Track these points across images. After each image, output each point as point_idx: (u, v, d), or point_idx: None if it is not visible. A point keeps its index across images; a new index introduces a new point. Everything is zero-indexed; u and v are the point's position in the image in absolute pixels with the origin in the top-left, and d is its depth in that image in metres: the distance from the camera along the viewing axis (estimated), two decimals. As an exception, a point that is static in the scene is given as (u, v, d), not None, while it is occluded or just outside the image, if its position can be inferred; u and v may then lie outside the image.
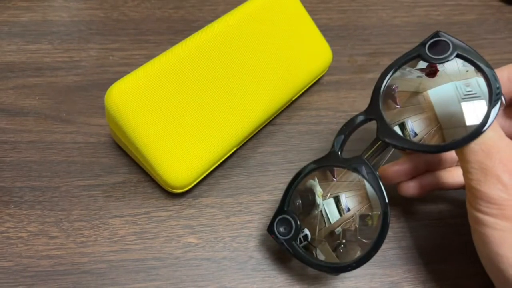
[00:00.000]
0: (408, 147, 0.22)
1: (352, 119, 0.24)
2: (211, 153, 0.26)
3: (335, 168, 0.24)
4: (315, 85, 0.34)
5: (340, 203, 0.23)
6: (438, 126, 0.22)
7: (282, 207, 0.24)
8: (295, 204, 0.24)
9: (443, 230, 0.27)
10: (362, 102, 0.33)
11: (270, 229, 0.24)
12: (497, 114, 0.20)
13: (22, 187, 0.27)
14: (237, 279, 0.25)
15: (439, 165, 0.26)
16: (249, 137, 0.29)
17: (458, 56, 0.21)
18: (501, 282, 0.20)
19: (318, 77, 0.33)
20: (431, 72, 0.22)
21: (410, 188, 0.25)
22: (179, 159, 0.25)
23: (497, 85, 0.20)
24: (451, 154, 0.25)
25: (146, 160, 0.25)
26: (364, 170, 0.23)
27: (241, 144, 0.29)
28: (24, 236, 0.25)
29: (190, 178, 0.26)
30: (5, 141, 0.29)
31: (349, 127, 0.24)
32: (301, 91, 0.32)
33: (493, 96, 0.20)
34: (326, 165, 0.24)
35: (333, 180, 0.24)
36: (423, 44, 0.22)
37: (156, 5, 0.37)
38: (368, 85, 0.34)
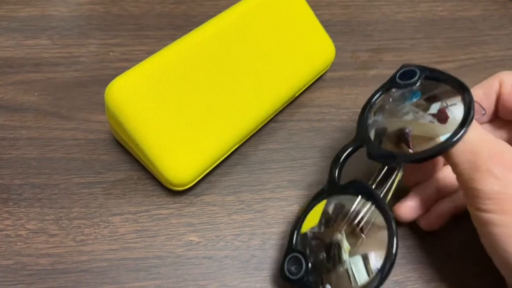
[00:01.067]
0: (396, 160, 0.22)
1: (342, 150, 0.24)
2: (212, 150, 0.26)
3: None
4: (318, 82, 0.33)
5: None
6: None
7: (291, 246, 0.23)
8: (319, 258, 0.22)
9: (448, 229, 0.27)
10: (365, 99, 0.32)
11: (282, 273, 0.22)
12: (473, 115, 0.21)
13: (21, 184, 0.26)
14: (239, 278, 0.24)
15: (450, 189, 0.25)
16: (250, 134, 0.29)
17: (426, 77, 0.23)
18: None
19: (321, 74, 0.32)
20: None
21: (431, 221, 0.25)
22: (180, 156, 0.25)
23: (466, 88, 0.22)
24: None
25: (146, 157, 0.25)
26: (364, 191, 0.23)
27: (243, 141, 0.28)
28: (23, 234, 0.25)
29: (191, 175, 0.25)
30: (4, 138, 0.28)
31: (341, 158, 0.24)
32: (304, 87, 0.31)
33: (465, 97, 0.22)
34: (327, 196, 0.24)
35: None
36: (393, 75, 0.25)
37: None
38: (371, 82, 0.34)
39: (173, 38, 0.34)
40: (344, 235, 0.22)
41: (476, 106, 0.22)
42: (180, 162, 0.25)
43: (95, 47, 0.33)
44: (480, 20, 0.39)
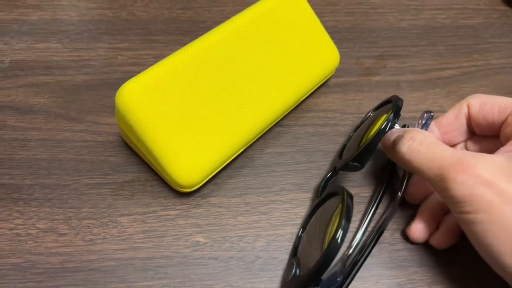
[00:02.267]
0: (348, 164, 0.26)
1: (326, 176, 0.28)
2: (219, 153, 0.26)
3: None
4: (323, 87, 0.34)
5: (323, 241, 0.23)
6: None
7: (291, 255, 0.25)
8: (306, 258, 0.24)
9: (449, 233, 0.27)
10: (368, 104, 0.33)
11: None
12: (395, 113, 0.26)
13: (31, 185, 0.27)
14: (244, 278, 0.25)
15: None
16: (256, 138, 0.29)
17: (376, 109, 0.30)
18: (499, 270, 0.22)
19: (326, 79, 0.33)
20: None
21: (440, 238, 0.26)
22: (188, 158, 0.25)
23: (395, 97, 0.28)
24: None
25: (155, 159, 0.25)
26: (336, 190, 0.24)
27: (249, 144, 0.29)
28: (33, 233, 0.25)
29: (198, 177, 0.26)
30: (15, 139, 0.29)
31: (321, 184, 0.28)
32: (309, 92, 0.32)
33: (394, 102, 0.27)
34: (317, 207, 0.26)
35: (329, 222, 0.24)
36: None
37: (164, 5, 0.38)
38: (375, 88, 0.34)
39: (181, 43, 0.35)
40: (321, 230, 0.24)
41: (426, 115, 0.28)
42: (187, 164, 0.25)
43: (104, 51, 0.34)
44: (483, 28, 0.40)
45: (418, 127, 0.28)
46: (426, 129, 0.27)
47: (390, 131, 0.26)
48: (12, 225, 0.26)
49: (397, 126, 0.27)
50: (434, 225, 0.26)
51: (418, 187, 0.27)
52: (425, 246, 0.27)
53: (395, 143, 0.25)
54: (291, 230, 0.27)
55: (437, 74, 0.36)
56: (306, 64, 0.31)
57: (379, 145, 0.26)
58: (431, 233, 0.26)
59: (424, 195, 0.27)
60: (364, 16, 0.39)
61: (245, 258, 0.26)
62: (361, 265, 0.24)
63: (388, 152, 0.26)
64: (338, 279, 0.20)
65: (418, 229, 0.26)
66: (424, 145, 0.24)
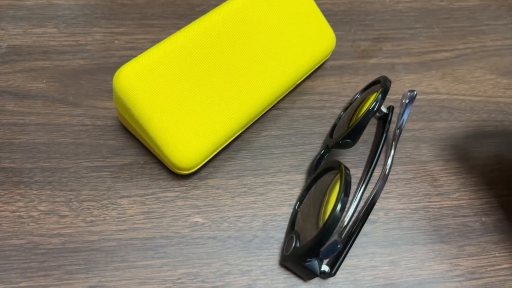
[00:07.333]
0: (340, 142, 0.27)
1: (319, 154, 0.29)
2: (217, 135, 0.27)
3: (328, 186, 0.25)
4: (319, 70, 0.34)
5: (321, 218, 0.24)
6: None
7: (289, 229, 0.26)
8: (304, 230, 0.25)
9: (442, 212, 0.28)
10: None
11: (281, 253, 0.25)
12: (383, 92, 0.27)
13: (32, 168, 0.27)
14: (242, 257, 0.26)
15: None
16: (253, 121, 0.29)
17: (363, 91, 0.32)
18: None
19: (322, 62, 0.33)
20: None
21: None
22: (185, 141, 0.26)
23: (381, 79, 0.29)
24: None
25: (153, 142, 0.26)
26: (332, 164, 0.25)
27: (246, 127, 0.29)
28: (35, 215, 0.26)
29: (196, 160, 0.26)
30: (14, 123, 0.29)
31: (313, 163, 0.29)
32: (305, 75, 0.32)
33: (382, 84, 0.28)
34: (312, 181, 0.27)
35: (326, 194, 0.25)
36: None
37: (160, -11, 0.37)
38: (370, 71, 0.34)
39: (177, 26, 0.35)
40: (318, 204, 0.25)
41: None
42: (185, 147, 0.26)
43: (100, 36, 0.34)
44: (479, 10, 0.40)
45: (402, 107, 0.29)
46: (409, 108, 0.29)
47: None
48: (14, 208, 0.26)
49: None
50: None
51: None
52: (419, 225, 0.27)
53: None
54: (287, 210, 0.27)
55: (432, 57, 0.36)
56: (302, 47, 0.31)
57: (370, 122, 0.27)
58: None
59: None
60: (360, -2, 0.39)
61: (243, 238, 0.26)
62: (356, 236, 0.25)
63: None
64: (339, 246, 0.21)
65: None
66: None
